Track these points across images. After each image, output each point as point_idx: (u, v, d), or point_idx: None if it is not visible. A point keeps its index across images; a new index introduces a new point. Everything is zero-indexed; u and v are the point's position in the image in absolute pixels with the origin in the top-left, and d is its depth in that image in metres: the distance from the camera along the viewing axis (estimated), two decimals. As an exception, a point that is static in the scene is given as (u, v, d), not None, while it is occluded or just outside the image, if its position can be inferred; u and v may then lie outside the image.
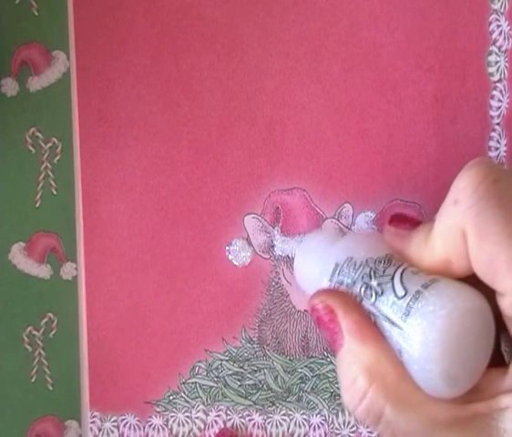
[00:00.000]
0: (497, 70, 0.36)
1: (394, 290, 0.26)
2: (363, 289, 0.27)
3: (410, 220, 0.29)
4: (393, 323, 0.26)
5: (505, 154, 0.36)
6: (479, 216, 0.24)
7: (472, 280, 0.25)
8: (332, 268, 0.29)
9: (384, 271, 0.27)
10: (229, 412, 0.38)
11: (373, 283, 0.27)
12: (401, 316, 0.25)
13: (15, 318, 0.38)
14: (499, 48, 0.36)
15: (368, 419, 0.26)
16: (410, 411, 0.25)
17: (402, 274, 0.26)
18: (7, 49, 0.37)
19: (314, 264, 0.32)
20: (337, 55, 0.36)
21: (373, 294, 0.27)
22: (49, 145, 0.37)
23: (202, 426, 0.38)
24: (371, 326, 0.26)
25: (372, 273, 0.27)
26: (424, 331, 0.24)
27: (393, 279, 0.26)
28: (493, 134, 0.36)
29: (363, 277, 0.28)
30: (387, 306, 0.26)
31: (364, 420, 0.26)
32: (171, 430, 0.38)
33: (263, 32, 0.36)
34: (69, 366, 0.38)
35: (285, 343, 0.37)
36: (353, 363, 0.26)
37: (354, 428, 0.38)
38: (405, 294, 0.26)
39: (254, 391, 0.38)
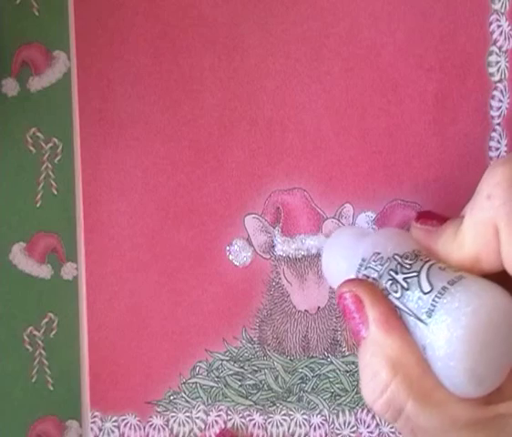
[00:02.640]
0: (498, 70, 0.36)
1: (419, 286, 0.26)
2: (389, 284, 0.27)
3: (437, 217, 0.29)
4: (418, 318, 0.26)
5: (505, 154, 0.36)
6: None
7: (498, 279, 0.25)
8: (358, 263, 0.29)
9: (410, 266, 0.27)
10: (229, 412, 0.38)
11: (400, 278, 0.27)
12: (426, 311, 0.25)
13: (16, 318, 0.38)
14: (500, 48, 0.36)
15: (388, 413, 0.25)
16: (431, 408, 0.25)
17: (428, 270, 0.26)
18: (8, 49, 0.37)
19: (342, 259, 0.32)
20: (338, 55, 0.36)
21: (399, 289, 0.27)
22: (50, 145, 0.37)
23: (203, 426, 0.38)
24: (397, 319, 0.26)
25: (398, 268, 0.27)
26: (449, 328, 0.24)
27: (419, 274, 0.26)
28: (493, 134, 0.36)
29: (389, 271, 0.28)
30: (413, 301, 0.26)
31: (384, 413, 0.26)
32: (172, 430, 0.38)
33: (264, 32, 0.36)
34: (70, 366, 0.38)
35: (286, 343, 0.37)
36: (376, 354, 0.26)
37: (355, 428, 0.38)
38: (431, 290, 0.26)
39: (255, 391, 0.38)
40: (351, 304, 0.27)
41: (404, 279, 0.27)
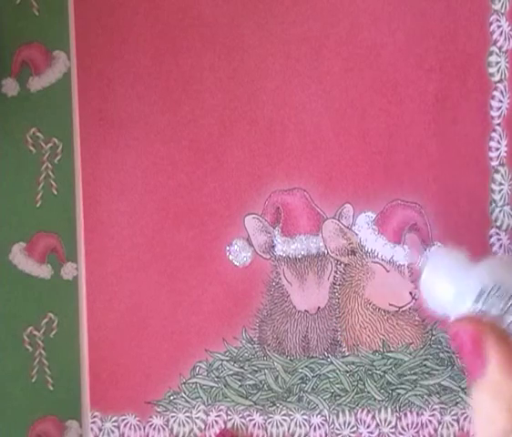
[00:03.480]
0: (498, 70, 0.36)
1: None
2: None
3: None
4: None
5: (505, 154, 0.36)
6: None
7: None
8: (476, 292, 0.28)
9: None
10: (229, 412, 0.38)
11: None
12: None
13: (16, 318, 0.38)
14: (500, 49, 0.36)
15: None
16: None
17: None
18: (8, 49, 0.37)
19: (449, 284, 0.30)
20: (338, 55, 0.36)
21: None
22: (50, 145, 0.37)
23: (203, 426, 0.38)
24: None
25: None
26: None
27: None
28: (493, 134, 0.36)
29: None
30: None
31: None
32: (172, 430, 0.38)
33: (264, 32, 0.36)
34: (70, 366, 0.38)
35: (286, 343, 0.37)
36: (497, 398, 0.25)
37: (355, 428, 0.38)
38: None
39: (255, 392, 0.38)
40: (469, 342, 0.26)
41: None
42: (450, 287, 0.30)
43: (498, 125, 0.36)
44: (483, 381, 0.26)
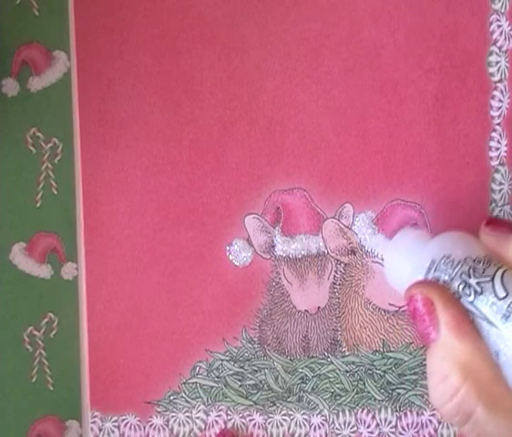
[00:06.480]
0: (498, 70, 0.36)
1: (494, 291, 0.26)
2: (461, 287, 0.27)
3: (507, 224, 0.29)
4: (491, 324, 0.26)
5: (505, 154, 0.36)
6: None
7: None
8: (427, 264, 0.29)
9: (483, 271, 0.27)
10: (229, 412, 0.38)
11: (473, 282, 0.27)
12: (501, 317, 0.25)
13: (16, 318, 0.38)
14: (500, 48, 0.36)
15: (457, 416, 0.26)
16: (501, 413, 0.25)
17: (502, 275, 0.26)
18: (8, 49, 0.37)
19: (407, 261, 0.32)
20: (338, 55, 0.36)
21: (472, 293, 0.27)
22: (50, 145, 0.37)
23: (203, 426, 0.38)
24: (469, 323, 0.26)
25: (471, 272, 0.27)
26: None
27: (493, 279, 0.26)
28: (493, 134, 0.36)
29: (461, 275, 0.28)
30: (486, 306, 0.26)
31: (452, 417, 0.26)
32: (172, 430, 0.38)
33: (264, 32, 0.36)
34: (70, 366, 0.38)
35: (286, 343, 0.38)
36: (447, 358, 0.26)
37: (355, 428, 0.38)
38: (506, 296, 0.26)
39: (255, 391, 0.38)
40: (422, 306, 0.27)
41: (478, 283, 0.27)
42: (407, 264, 0.31)
43: (498, 125, 0.36)
44: (436, 345, 0.27)
